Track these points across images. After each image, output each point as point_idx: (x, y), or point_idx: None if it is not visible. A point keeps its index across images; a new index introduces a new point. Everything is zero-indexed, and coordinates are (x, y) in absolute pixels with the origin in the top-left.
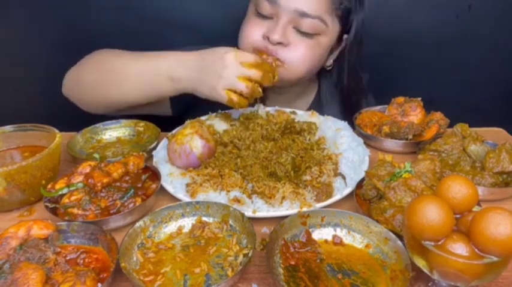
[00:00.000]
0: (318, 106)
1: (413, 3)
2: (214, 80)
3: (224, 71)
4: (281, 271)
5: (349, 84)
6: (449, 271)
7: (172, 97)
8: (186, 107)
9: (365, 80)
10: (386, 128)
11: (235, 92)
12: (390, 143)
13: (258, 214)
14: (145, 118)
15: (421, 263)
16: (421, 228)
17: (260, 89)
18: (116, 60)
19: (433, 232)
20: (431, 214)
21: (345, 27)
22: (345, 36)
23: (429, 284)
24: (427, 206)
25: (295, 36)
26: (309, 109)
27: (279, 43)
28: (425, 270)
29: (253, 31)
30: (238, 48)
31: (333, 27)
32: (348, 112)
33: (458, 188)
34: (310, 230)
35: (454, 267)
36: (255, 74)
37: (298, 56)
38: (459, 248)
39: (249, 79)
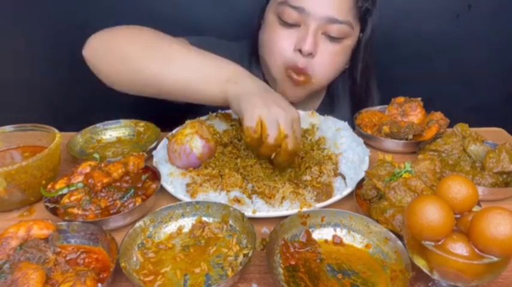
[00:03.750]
0: (328, 106)
1: (413, 3)
2: (259, 103)
3: (274, 107)
4: (281, 271)
5: (361, 83)
6: (449, 271)
7: None
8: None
9: (375, 79)
10: (386, 128)
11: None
12: (390, 143)
13: (258, 214)
14: (145, 118)
15: (421, 263)
16: (421, 228)
17: (273, 156)
18: (174, 45)
19: (433, 232)
20: (431, 214)
21: (363, 27)
22: (361, 35)
23: (429, 284)
24: (427, 206)
25: (323, 43)
26: (318, 109)
27: (310, 54)
28: (425, 270)
29: (284, 44)
30: (261, 62)
31: (356, 28)
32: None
33: (458, 188)
34: (310, 230)
35: (454, 267)
36: (291, 143)
37: (326, 64)
38: (459, 248)
39: (284, 139)
